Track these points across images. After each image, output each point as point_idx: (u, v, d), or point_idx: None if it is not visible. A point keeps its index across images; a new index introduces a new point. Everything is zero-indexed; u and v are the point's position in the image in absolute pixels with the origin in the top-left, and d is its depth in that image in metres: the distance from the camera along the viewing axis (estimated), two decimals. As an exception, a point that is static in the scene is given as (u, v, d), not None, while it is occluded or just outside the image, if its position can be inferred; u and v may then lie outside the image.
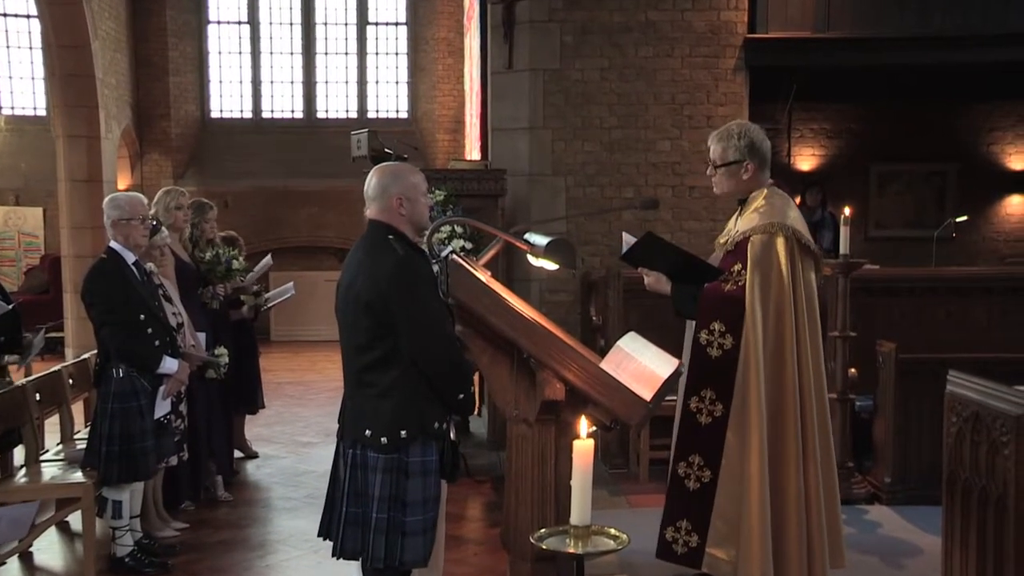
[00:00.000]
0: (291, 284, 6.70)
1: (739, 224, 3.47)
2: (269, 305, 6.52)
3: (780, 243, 3.32)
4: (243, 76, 13.46)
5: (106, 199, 4.47)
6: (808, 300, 3.36)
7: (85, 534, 4.32)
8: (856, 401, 5.45)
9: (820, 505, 3.31)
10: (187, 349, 4.73)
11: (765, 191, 3.47)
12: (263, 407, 6.62)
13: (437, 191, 5.88)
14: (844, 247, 5.18)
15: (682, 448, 3.43)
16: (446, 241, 5.72)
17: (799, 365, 3.30)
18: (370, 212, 3.07)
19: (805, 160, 10.58)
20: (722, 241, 3.55)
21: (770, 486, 3.26)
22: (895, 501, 5.18)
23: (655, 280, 3.52)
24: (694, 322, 3.44)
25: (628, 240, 3.50)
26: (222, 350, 5.14)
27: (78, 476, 4.38)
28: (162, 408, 4.44)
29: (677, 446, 3.46)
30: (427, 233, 3.16)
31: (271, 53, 13.51)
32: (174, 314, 4.72)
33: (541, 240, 3.32)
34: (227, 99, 13.43)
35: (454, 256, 3.06)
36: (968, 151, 10.53)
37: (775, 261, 3.30)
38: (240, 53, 13.43)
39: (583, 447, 1.89)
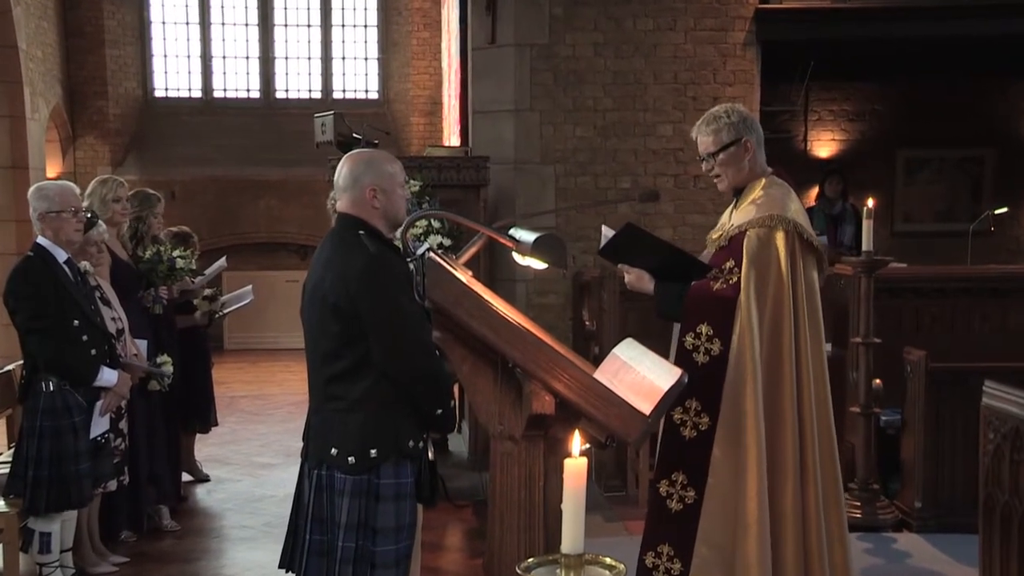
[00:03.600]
0: (249, 288, 6.69)
1: (734, 217, 3.49)
2: (225, 311, 6.51)
3: (780, 238, 3.34)
4: (191, 50, 13.39)
5: (32, 189, 4.45)
6: (810, 302, 3.38)
7: (7, 572, 4.28)
8: (881, 415, 5.49)
9: (821, 530, 3.32)
10: (128, 359, 4.71)
11: (763, 180, 3.49)
12: (216, 424, 6.61)
13: (412, 181, 5.88)
14: (867, 243, 5.21)
15: (664, 465, 3.44)
16: (422, 237, 5.73)
17: (798, 374, 3.32)
18: (340, 204, 3.08)
19: (824, 146, 10.64)
20: (715, 237, 3.57)
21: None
22: (926, 528, 5.22)
23: (636, 278, 3.54)
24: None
25: (607, 233, 3.51)
26: (165, 358, 5.12)
27: (0, 505, 4.36)
28: (99, 426, 4.42)
29: (659, 463, 3.48)
30: (401, 228, 3.17)
31: (223, 24, 13.45)
32: (113, 319, 4.70)
33: (528, 236, 3.32)
34: (173, 76, 13.36)
35: (431, 254, 3.06)
36: (1007, 134, 10.60)
37: (774, 258, 3.32)
38: (187, 23, 13.37)
39: (575, 467, 1.90)
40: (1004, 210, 9.87)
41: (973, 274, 6.74)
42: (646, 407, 2.79)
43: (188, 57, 13.40)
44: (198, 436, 6.61)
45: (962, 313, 6.19)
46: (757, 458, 3.25)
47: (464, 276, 3.15)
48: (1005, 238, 10.62)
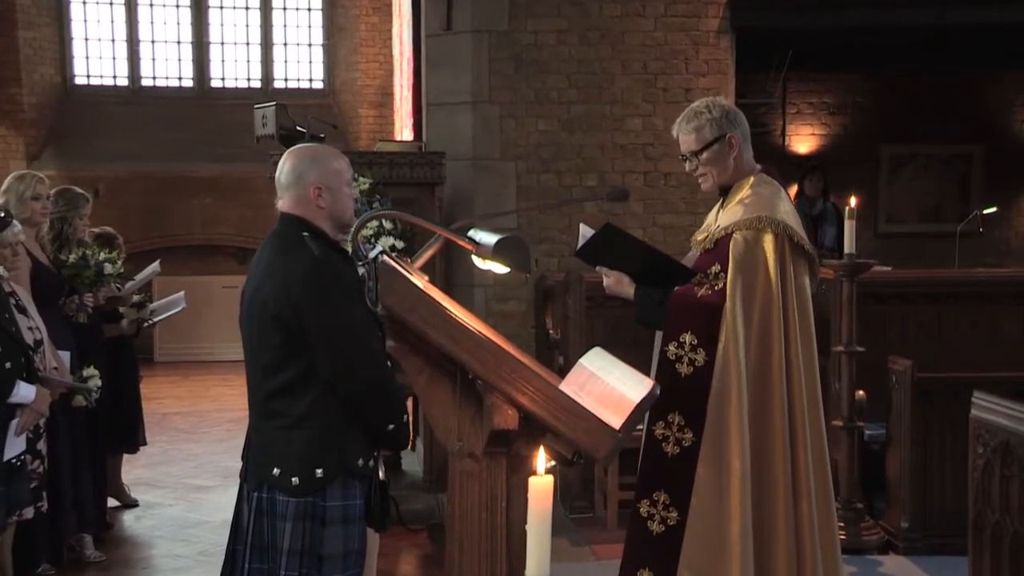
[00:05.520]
0: (181, 294, 6.64)
1: (721, 218, 3.52)
2: (155, 319, 6.45)
3: (768, 241, 3.37)
4: (116, 32, 13.27)
5: (-61, 186, 4.39)
6: (801, 309, 3.42)
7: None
8: (865, 429, 5.56)
9: (816, 553, 3.36)
10: (47, 372, 4.65)
11: (752, 179, 3.52)
12: (144, 444, 6.55)
13: (361, 178, 5.87)
14: (850, 245, 5.28)
15: (645, 483, 3.46)
16: (372, 239, 5.72)
17: (789, 386, 3.36)
18: (282, 204, 3.08)
19: (803, 141, 10.76)
20: (700, 238, 3.60)
21: (755, 530, 3.31)
22: (913, 550, 5.28)
23: (615, 281, 3.56)
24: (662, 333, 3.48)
25: (586, 233, 3.53)
26: (92, 371, 5.07)
27: (-93, 534, 4.28)
28: (14, 447, 4.36)
29: (640, 481, 3.50)
30: (352, 230, 3.17)
31: (152, 5, 13.34)
32: (30, 329, 4.65)
33: (489, 238, 3.33)
34: (96, 61, 13.22)
35: (385, 257, 3.06)
36: (997, 129, 10.80)
37: (761, 262, 3.36)
38: (111, 3, 13.24)
39: (541, 485, 1.91)
40: (993, 210, 10.01)
41: (961, 278, 6.86)
42: (616, 421, 2.80)
43: (113, 41, 13.27)
44: (125, 457, 6.54)
45: (950, 319, 6.28)
46: (741, 476, 3.27)
47: (420, 281, 3.16)
48: (995, 239, 10.80)
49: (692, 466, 3.34)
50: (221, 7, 13.45)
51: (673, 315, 3.42)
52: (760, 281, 3.36)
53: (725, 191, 3.59)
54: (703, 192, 3.74)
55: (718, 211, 3.61)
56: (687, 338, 3.38)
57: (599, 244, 3.49)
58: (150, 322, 6.39)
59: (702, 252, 3.54)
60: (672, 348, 3.40)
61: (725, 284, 3.35)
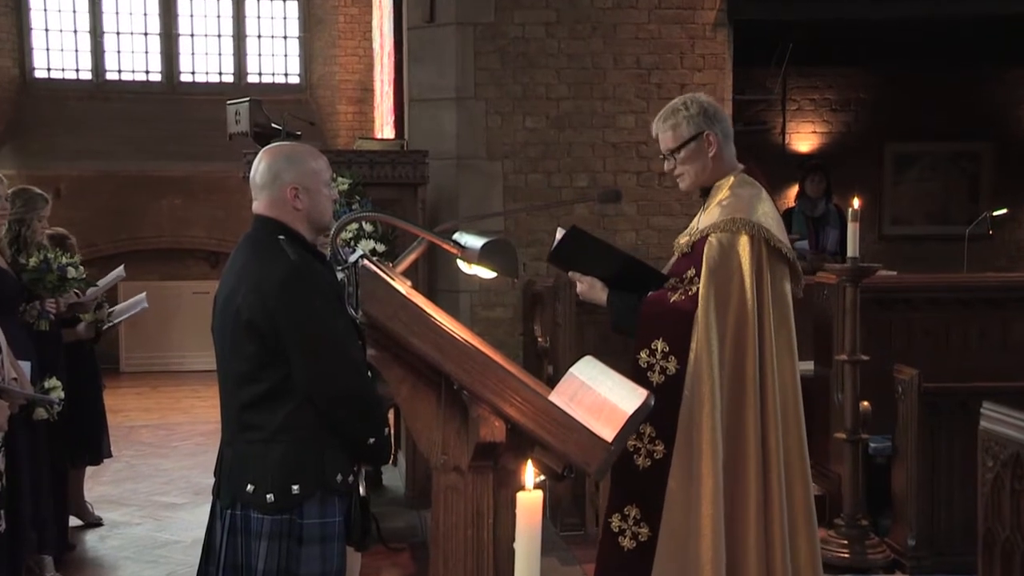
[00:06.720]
0: (143, 295, 6.63)
1: (701, 221, 3.56)
2: (114, 321, 6.43)
3: (744, 244, 3.39)
4: (78, 23, 13.23)
5: None
6: (779, 317, 3.44)
7: None
8: (870, 442, 5.58)
9: (787, 572, 3.37)
10: (6, 383, 4.63)
11: (732, 179, 3.55)
12: (109, 456, 6.51)
13: (339, 179, 5.88)
14: (853, 248, 5.30)
15: (616, 497, 3.50)
16: (352, 243, 5.73)
17: (763, 399, 3.37)
18: (257, 205, 3.09)
19: (804, 139, 10.81)
20: (683, 242, 3.63)
21: (726, 550, 3.32)
22: (921, 569, 5.30)
23: (588, 287, 3.60)
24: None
25: (560, 237, 3.56)
26: (54, 383, 5.05)
27: None
28: (-28, 463, 4.35)
29: (610, 495, 3.54)
30: (331, 233, 3.18)
31: (118, -5, 13.34)
32: (-11, 338, 4.64)
33: (474, 241, 3.34)
34: (57, 54, 13.18)
35: (365, 262, 3.07)
36: (1007, 127, 10.86)
37: (736, 267, 3.38)
38: (76, -6, 13.24)
39: (529, 501, 1.91)
40: (1003, 211, 10.07)
41: (970, 283, 6.88)
42: (608, 433, 2.81)
43: (75, 32, 13.23)
44: (88, 473, 6.52)
45: (958, 326, 6.31)
46: (713, 490, 3.29)
47: (402, 287, 3.16)
48: (1005, 242, 10.86)
49: (663, 480, 3.36)
50: (191, -3, 13.45)
51: (644, 321, 3.45)
52: (735, 286, 3.38)
53: (706, 192, 3.61)
54: (698, 192, 3.76)
55: (700, 214, 3.64)
56: (659, 345, 3.41)
57: (568, 248, 3.51)
58: (110, 323, 6.36)
59: (680, 256, 3.57)
60: (643, 356, 3.43)
61: (699, 289, 3.37)
